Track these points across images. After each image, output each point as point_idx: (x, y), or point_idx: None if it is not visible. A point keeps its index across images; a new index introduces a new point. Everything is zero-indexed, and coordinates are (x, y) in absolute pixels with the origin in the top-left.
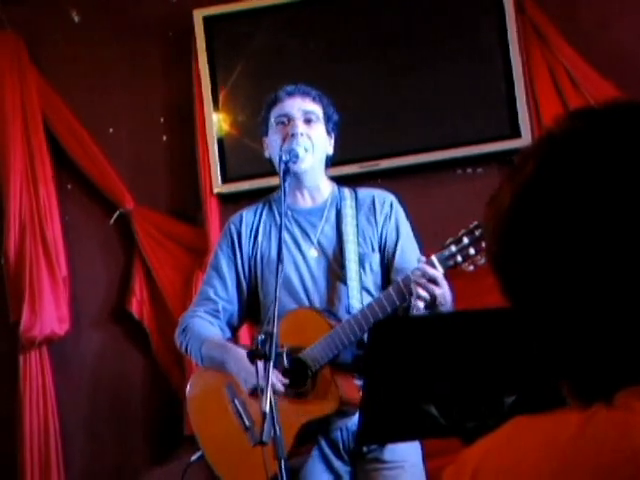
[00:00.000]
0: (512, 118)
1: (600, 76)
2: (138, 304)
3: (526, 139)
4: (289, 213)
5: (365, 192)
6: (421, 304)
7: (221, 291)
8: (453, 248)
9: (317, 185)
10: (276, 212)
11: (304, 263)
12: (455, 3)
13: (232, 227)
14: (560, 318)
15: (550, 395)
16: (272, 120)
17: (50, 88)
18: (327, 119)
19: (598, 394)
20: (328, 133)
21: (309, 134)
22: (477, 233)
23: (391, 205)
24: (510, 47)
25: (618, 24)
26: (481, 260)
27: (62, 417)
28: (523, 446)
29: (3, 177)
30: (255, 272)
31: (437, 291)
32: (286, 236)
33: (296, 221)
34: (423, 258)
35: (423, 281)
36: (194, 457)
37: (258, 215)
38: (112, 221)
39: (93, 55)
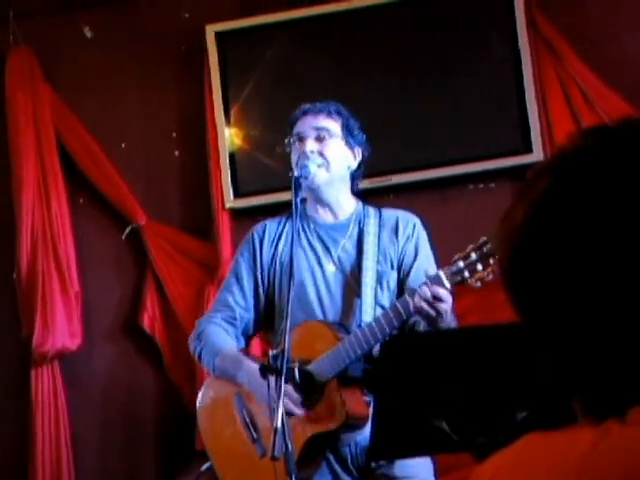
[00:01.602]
0: (524, 133)
1: (612, 91)
2: (150, 319)
3: (538, 154)
4: (311, 226)
5: (390, 212)
6: (420, 316)
7: (239, 298)
8: (461, 264)
9: (337, 200)
10: (299, 224)
11: (322, 277)
12: (467, 19)
13: (255, 235)
14: (572, 334)
15: (562, 411)
16: (291, 139)
17: (62, 103)
18: (347, 133)
19: (611, 411)
20: (349, 147)
21: (321, 151)
22: (485, 249)
23: (414, 227)
24: (522, 63)
25: (629, 39)
26: (488, 277)
27: (73, 432)
28: (536, 463)
29: (16, 192)
30: (273, 280)
31: (442, 308)
32: (307, 248)
33: (318, 235)
34: (433, 271)
35: (430, 299)
36: (204, 467)
37: (282, 225)
38: (124, 236)
39: (105, 70)
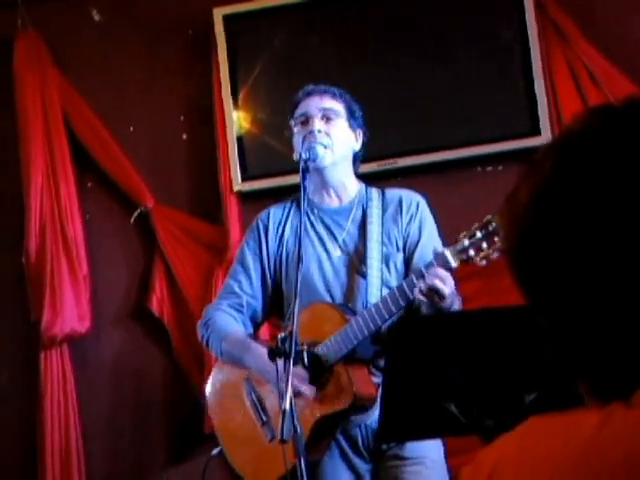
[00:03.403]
0: (532, 116)
1: (620, 73)
2: (158, 302)
3: (546, 137)
4: (315, 212)
5: (393, 192)
6: (424, 298)
7: (246, 286)
8: (466, 242)
9: (342, 183)
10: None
11: (329, 262)
12: (475, 1)
13: (259, 223)
14: (577, 315)
15: (571, 393)
16: (294, 121)
17: (71, 87)
18: (350, 115)
19: (616, 393)
20: (352, 129)
21: (327, 131)
22: (490, 228)
23: (417, 206)
24: (530, 45)
25: (636, 20)
26: (493, 254)
27: (83, 415)
28: (540, 446)
29: (24, 176)
30: (280, 268)
31: (446, 291)
32: (312, 235)
33: (322, 220)
34: (439, 249)
35: (433, 280)
36: (215, 451)
37: (286, 212)
38: (132, 219)
39: (113, 54)
